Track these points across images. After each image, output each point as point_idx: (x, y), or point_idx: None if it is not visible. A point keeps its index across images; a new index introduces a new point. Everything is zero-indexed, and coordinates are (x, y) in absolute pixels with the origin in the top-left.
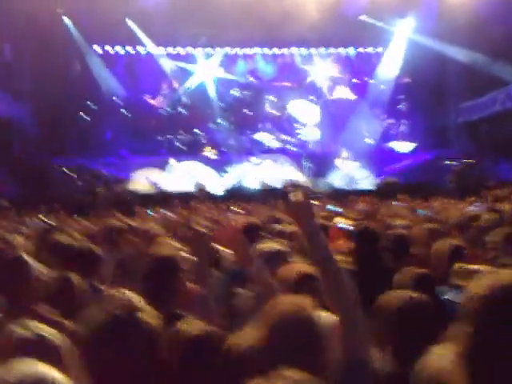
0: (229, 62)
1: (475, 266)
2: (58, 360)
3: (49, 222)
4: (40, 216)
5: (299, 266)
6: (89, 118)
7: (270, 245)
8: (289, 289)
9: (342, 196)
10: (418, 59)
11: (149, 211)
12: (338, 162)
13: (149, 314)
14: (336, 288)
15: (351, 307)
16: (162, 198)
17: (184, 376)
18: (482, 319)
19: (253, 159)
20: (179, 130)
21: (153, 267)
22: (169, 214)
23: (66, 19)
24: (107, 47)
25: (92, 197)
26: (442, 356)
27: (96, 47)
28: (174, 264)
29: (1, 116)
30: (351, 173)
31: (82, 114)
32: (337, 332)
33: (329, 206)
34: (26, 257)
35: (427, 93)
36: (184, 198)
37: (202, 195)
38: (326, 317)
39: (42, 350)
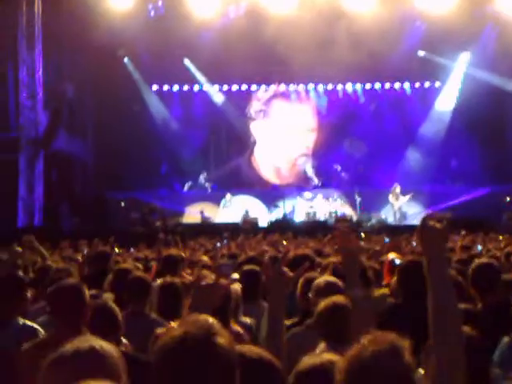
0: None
1: None
2: (116, 373)
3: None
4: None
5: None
6: (145, 154)
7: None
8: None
9: (393, 231)
10: (476, 94)
11: (218, 244)
12: (390, 197)
13: (226, 338)
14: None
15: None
16: (210, 230)
17: None
18: None
19: (305, 194)
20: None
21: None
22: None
23: (126, 60)
24: (165, 86)
25: (148, 230)
26: None
27: (154, 86)
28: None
29: (63, 153)
30: (403, 208)
31: (138, 149)
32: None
33: (386, 239)
34: (82, 285)
35: (485, 127)
36: (230, 230)
37: (246, 227)
38: None
39: (101, 362)
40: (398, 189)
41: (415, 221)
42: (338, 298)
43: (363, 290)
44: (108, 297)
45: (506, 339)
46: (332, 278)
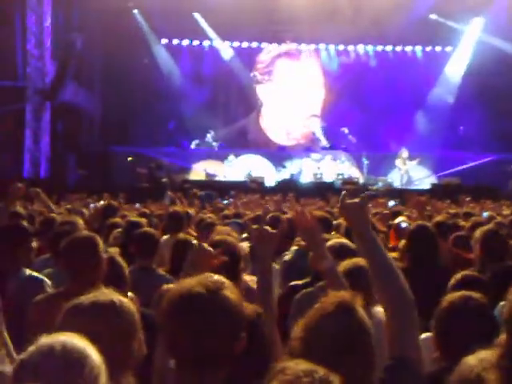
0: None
1: None
2: (132, 329)
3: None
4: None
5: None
6: (152, 109)
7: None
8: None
9: (400, 195)
10: (487, 60)
11: (225, 201)
12: (397, 161)
13: (234, 293)
14: (385, 285)
15: (405, 303)
16: (217, 188)
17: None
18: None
19: (313, 155)
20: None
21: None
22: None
23: (136, 13)
24: (174, 41)
25: (155, 185)
26: (483, 360)
27: (163, 40)
28: (237, 251)
29: (70, 105)
30: (410, 172)
31: (146, 104)
32: (386, 329)
33: (391, 203)
34: (97, 238)
35: (494, 94)
36: (237, 188)
37: (254, 186)
38: (376, 312)
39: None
40: (405, 153)
41: (422, 185)
42: (359, 260)
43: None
44: (114, 251)
45: (501, 303)
46: (345, 240)
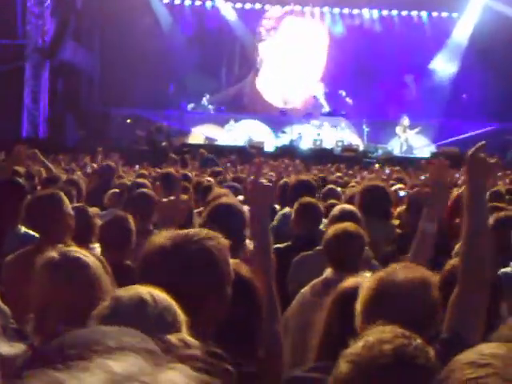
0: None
1: None
2: (87, 278)
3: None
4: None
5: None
6: (152, 70)
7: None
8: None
9: (399, 163)
10: (493, 27)
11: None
12: (398, 129)
13: (217, 242)
14: (472, 249)
15: (481, 276)
16: (215, 152)
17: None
18: None
19: (313, 121)
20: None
21: (220, 213)
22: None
23: None
24: (176, 0)
25: (154, 148)
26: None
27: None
28: (241, 212)
29: (70, 64)
30: (410, 141)
31: (146, 65)
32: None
33: (387, 171)
34: (61, 194)
35: (499, 62)
36: (236, 152)
37: (253, 151)
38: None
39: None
40: (406, 121)
41: (422, 153)
42: (349, 225)
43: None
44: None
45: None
46: (349, 206)
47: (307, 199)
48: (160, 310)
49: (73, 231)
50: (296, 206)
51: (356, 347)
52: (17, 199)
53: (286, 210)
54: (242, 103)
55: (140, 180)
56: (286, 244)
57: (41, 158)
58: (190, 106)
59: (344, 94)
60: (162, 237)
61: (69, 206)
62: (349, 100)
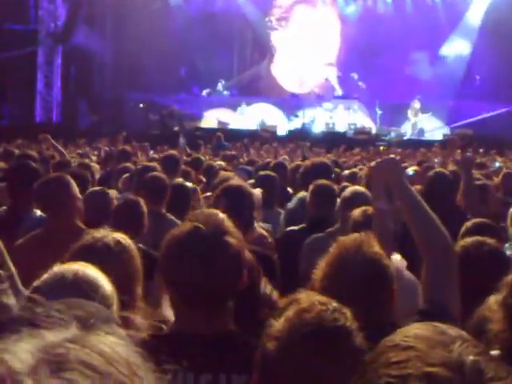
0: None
1: None
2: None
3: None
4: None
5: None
6: (164, 54)
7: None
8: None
9: (412, 145)
10: (506, 10)
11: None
12: (409, 112)
13: (235, 237)
14: (428, 233)
15: (446, 249)
16: (228, 135)
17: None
18: None
19: (325, 104)
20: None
21: (230, 193)
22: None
23: None
24: None
25: (167, 133)
26: (491, 304)
27: None
28: (251, 194)
29: (82, 49)
30: (420, 124)
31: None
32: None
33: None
34: (68, 177)
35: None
36: (249, 136)
37: (266, 135)
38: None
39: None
40: (417, 104)
41: (434, 136)
42: (369, 208)
43: (388, 203)
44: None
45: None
46: (359, 188)
47: (323, 181)
48: (80, 286)
49: (82, 214)
50: (311, 187)
51: (277, 323)
52: (31, 183)
53: (302, 193)
54: (258, 88)
55: (147, 164)
56: (301, 226)
57: (52, 143)
58: (206, 92)
59: (356, 76)
60: (186, 229)
61: (76, 190)
62: (361, 83)
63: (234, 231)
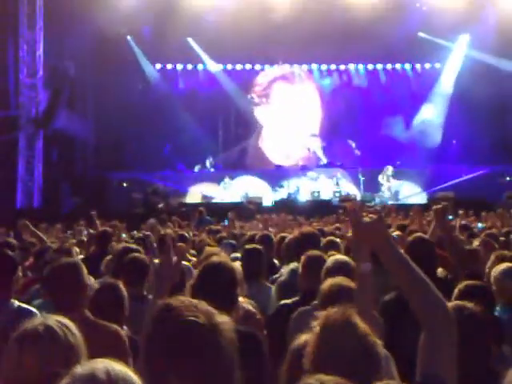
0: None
1: None
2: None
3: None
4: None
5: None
6: (147, 133)
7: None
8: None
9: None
10: (475, 75)
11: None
12: (380, 177)
13: (228, 326)
14: (420, 298)
15: (442, 316)
16: (213, 209)
17: None
18: None
19: (310, 173)
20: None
21: (209, 273)
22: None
23: (129, 39)
24: (169, 65)
25: (151, 211)
26: None
27: (158, 65)
28: (232, 270)
29: (64, 133)
30: (394, 189)
31: (141, 129)
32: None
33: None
34: (79, 263)
35: (485, 108)
36: (234, 209)
37: (251, 207)
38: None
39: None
40: (390, 170)
41: (414, 200)
42: (342, 280)
43: (372, 265)
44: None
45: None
46: (342, 257)
47: (314, 252)
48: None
49: (88, 302)
50: (303, 259)
51: None
52: (8, 272)
53: (294, 264)
54: (244, 162)
55: (127, 245)
56: (294, 299)
57: (32, 230)
58: (197, 167)
59: (354, 144)
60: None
61: (86, 277)
62: (357, 151)
63: (227, 322)
